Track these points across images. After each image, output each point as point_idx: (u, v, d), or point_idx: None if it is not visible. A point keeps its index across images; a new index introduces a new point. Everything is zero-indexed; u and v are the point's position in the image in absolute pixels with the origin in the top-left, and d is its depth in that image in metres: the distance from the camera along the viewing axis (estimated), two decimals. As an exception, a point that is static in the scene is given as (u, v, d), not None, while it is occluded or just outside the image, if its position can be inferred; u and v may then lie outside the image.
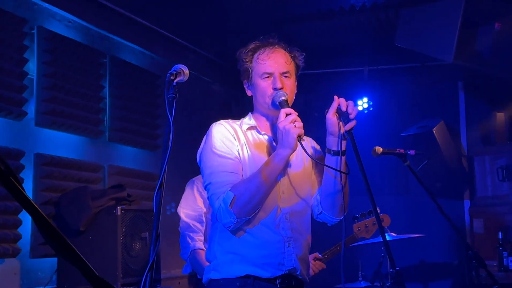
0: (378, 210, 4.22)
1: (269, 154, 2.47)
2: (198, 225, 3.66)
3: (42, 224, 1.05)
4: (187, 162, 3.48)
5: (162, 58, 5.42)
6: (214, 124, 2.53)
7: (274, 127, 2.55)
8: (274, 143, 2.53)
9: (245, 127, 2.56)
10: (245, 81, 2.60)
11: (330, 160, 2.42)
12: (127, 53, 5.05)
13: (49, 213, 3.89)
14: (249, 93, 2.60)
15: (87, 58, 4.48)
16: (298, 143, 2.30)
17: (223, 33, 5.58)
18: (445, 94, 6.54)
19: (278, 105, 2.43)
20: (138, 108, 5.07)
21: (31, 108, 4.00)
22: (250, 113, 2.64)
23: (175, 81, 2.10)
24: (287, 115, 2.32)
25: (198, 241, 3.62)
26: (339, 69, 6.69)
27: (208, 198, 2.43)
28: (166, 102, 2.06)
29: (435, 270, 6.32)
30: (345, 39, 5.92)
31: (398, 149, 3.58)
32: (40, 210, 1.06)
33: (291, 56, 2.56)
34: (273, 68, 2.49)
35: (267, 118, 2.57)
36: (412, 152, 3.59)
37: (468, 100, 6.44)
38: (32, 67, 4.03)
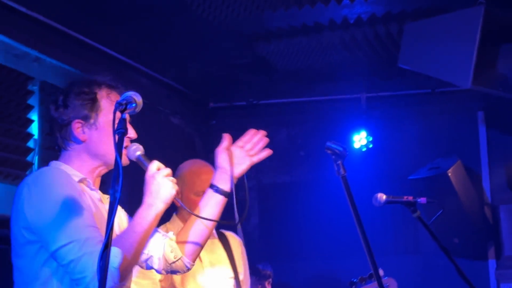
0: (382, 273, 4.24)
1: (103, 216, 2.56)
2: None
3: None
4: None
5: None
6: (43, 169, 2.63)
7: (101, 183, 2.73)
8: (102, 203, 2.67)
9: (74, 177, 2.60)
10: (81, 120, 2.62)
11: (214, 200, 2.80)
12: (60, 77, 5.02)
13: None
14: (83, 137, 2.62)
15: (9, 83, 4.46)
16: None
17: (183, 53, 5.58)
18: (462, 127, 6.63)
19: (137, 159, 2.62)
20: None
21: None
22: (59, 162, 2.67)
23: (125, 112, 2.13)
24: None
25: None
26: (330, 97, 6.74)
27: (71, 261, 2.35)
28: (114, 139, 2.08)
29: None
30: (337, 60, 5.98)
31: (405, 197, 3.61)
32: None
33: None
34: None
35: (94, 170, 2.68)
36: (423, 200, 3.60)
37: (491, 135, 6.52)
38: None
